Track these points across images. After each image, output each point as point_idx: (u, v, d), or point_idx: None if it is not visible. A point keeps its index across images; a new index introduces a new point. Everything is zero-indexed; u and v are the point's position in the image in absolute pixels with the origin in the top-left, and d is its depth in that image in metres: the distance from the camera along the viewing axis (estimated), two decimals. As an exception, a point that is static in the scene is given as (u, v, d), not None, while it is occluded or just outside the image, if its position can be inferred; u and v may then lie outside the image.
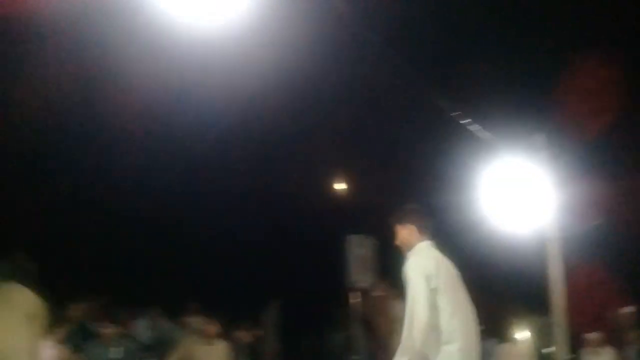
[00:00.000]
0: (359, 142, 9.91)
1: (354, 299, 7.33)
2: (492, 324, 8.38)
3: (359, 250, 7.37)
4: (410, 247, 3.30)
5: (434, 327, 2.96)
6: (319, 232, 10.46)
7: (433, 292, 3.01)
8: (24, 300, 3.79)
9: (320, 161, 10.55)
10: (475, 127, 5.56)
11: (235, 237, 11.20)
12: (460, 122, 5.45)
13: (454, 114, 5.32)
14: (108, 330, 5.74)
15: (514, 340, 7.39)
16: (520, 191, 5.94)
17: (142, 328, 8.10)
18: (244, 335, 7.98)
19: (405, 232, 3.34)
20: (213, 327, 6.01)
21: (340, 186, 12.22)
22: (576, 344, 6.90)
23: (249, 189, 10.92)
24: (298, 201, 10.57)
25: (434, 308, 2.98)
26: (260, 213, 11.21)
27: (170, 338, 7.30)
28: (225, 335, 6.39)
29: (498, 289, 9.90)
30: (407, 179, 9.66)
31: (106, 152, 9.72)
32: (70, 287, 7.09)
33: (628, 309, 7.19)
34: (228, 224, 11.01)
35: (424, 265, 3.12)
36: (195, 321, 6.88)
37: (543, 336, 8.03)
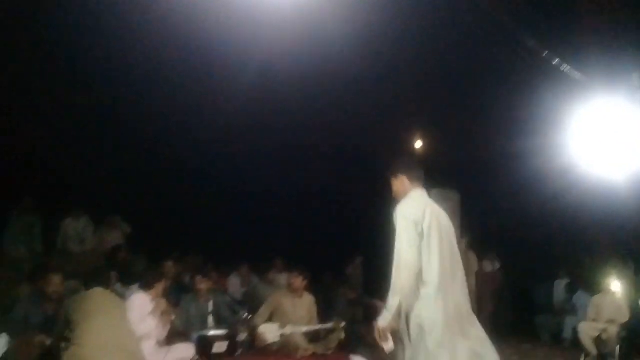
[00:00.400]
0: (442, 92, 9.62)
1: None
2: (584, 274, 8.09)
3: (442, 204, 7.19)
4: (403, 197, 3.42)
5: (418, 271, 3.12)
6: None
7: (419, 237, 3.15)
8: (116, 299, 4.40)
9: (402, 114, 10.40)
10: (565, 67, 5.24)
11: (318, 194, 11.29)
12: (550, 62, 5.14)
13: (542, 54, 5.03)
14: (202, 285, 6.04)
15: (608, 291, 7.14)
16: (615, 134, 5.58)
17: (234, 284, 8.47)
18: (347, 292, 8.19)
19: (397, 183, 3.50)
20: (300, 282, 6.18)
21: (422, 140, 12.05)
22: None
23: (330, 146, 10.97)
24: (379, 156, 10.51)
25: (418, 252, 3.13)
26: (340, 170, 11.25)
27: (260, 293, 7.60)
28: (311, 289, 6.56)
29: (590, 238, 9.54)
30: (494, 127, 9.34)
31: (189, 114, 10.01)
32: (167, 246, 7.48)
33: None
34: (312, 182, 11.10)
35: (410, 210, 3.25)
36: (283, 277, 7.09)
37: (638, 287, 7.78)
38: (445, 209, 6.60)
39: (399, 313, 3.14)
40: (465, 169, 9.87)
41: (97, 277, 4.44)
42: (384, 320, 3.12)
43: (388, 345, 3.15)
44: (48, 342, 4.43)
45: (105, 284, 4.44)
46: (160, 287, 5.01)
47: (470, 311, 3.28)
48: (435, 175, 8.63)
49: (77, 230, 8.99)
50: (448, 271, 3.17)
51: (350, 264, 10.75)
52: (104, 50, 8.06)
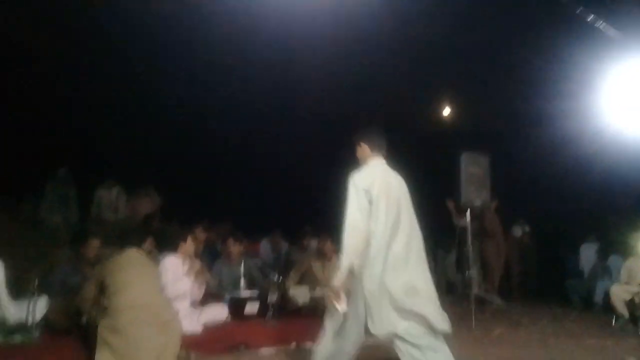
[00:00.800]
0: (472, 54, 9.44)
1: (467, 218, 7.18)
2: (616, 238, 7.98)
3: (473, 168, 7.10)
4: (363, 163, 3.68)
5: (366, 234, 3.36)
6: (431, 152, 10.32)
7: (369, 203, 3.39)
8: (149, 262, 4.46)
9: (430, 80, 10.27)
10: (600, 24, 5.08)
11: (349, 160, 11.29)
12: (584, 19, 4.99)
13: (576, 10, 4.87)
14: (234, 248, 6.16)
15: (640, 255, 7.06)
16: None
17: (265, 249, 8.59)
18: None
19: (360, 150, 3.74)
20: (329, 246, 6.23)
21: (451, 105, 11.90)
22: None
23: (361, 112, 10.88)
24: (409, 122, 10.44)
25: (367, 217, 3.37)
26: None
27: (290, 258, 7.70)
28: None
29: (621, 201, 9.37)
30: (525, 88, 9.16)
31: (221, 87, 10.04)
32: (198, 215, 7.59)
33: None
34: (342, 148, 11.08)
35: (361, 178, 3.47)
36: (313, 242, 7.14)
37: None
38: (475, 173, 6.59)
39: (352, 273, 3.36)
40: (495, 132, 9.73)
41: (133, 237, 4.52)
42: (337, 281, 3.35)
43: (342, 305, 3.34)
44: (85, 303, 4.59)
45: (140, 244, 4.51)
46: (188, 247, 5.11)
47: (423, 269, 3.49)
48: (465, 139, 8.61)
49: (110, 199, 9.23)
50: (396, 232, 3.40)
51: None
52: (141, 20, 8.11)
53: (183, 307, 4.90)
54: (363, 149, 3.74)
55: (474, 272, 7.14)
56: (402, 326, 3.29)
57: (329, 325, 3.49)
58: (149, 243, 5.13)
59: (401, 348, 3.31)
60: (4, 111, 8.82)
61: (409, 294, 3.31)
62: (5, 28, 7.89)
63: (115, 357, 3.82)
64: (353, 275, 3.37)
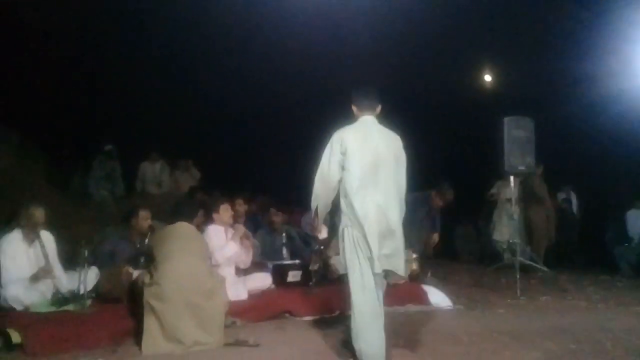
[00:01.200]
0: (511, 14, 9.15)
1: (511, 184, 7.01)
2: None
3: (516, 132, 6.91)
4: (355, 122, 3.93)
5: (334, 184, 3.69)
6: (474, 119, 10.12)
7: (342, 155, 3.65)
8: (197, 235, 4.58)
9: (470, 46, 10.03)
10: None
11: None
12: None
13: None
14: (277, 217, 6.25)
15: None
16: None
17: (308, 220, 8.66)
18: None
19: (353, 109, 3.95)
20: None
21: (493, 71, 11.61)
22: None
23: (404, 80, 10.72)
24: (451, 90, 10.26)
25: (338, 168, 3.67)
26: (411, 104, 11.03)
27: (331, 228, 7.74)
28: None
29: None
30: (566, 49, 8.84)
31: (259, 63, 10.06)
32: (239, 189, 7.69)
33: None
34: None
35: (341, 132, 3.75)
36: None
37: None
38: (519, 137, 6.42)
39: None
40: (538, 96, 9.45)
41: (185, 211, 4.63)
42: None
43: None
44: (134, 273, 4.74)
45: (191, 218, 4.61)
46: (223, 216, 5.20)
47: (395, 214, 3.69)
48: (508, 105, 8.40)
49: (154, 173, 9.44)
50: (372, 184, 3.63)
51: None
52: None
53: (229, 274, 5.02)
54: (354, 111, 3.96)
55: (518, 240, 7.01)
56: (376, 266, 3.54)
57: (353, 285, 3.59)
58: (199, 216, 5.21)
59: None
60: (53, 91, 9.09)
61: (384, 238, 3.59)
62: (52, 6, 8.09)
63: (161, 324, 3.93)
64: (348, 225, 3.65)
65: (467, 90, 11.30)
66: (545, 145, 7.12)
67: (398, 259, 3.65)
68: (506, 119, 6.49)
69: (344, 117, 4.39)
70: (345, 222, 3.65)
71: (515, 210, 7.07)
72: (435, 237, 6.89)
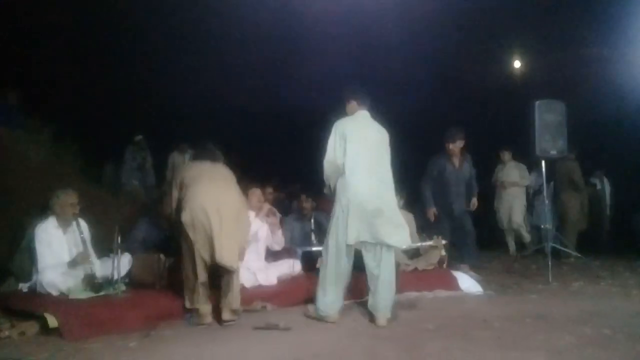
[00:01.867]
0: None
1: (542, 169, 6.90)
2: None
3: (548, 116, 6.79)
4: (350, 115, 4.49)
5: (337, 166, 4.27)
6: (504, 104, 9.99)
7: (344, 141, 4.24)
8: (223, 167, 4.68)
9: (500, 31, 9.88)
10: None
11: (419, 114, 11.05)
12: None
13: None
14: (307, 204, 6.30)
15: None
16: None
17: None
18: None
19: (349, 106, 4.53)
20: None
21: (523, 56, 11.42)
22: None
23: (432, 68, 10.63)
24: (482, 74, 10.15)
25: (341, 153, 4.24)
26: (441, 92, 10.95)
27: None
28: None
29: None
30: (597, 33, 8.63)
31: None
32: (267, 178, 7.74)
33: None
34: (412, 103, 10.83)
35: (343, 124, 4.36)
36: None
37: None
38: (550, 121, 6.31)
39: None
40: (570, 79, 9.27)
41: (208, 152, 4.73)
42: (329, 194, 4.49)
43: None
44: (164, 258, 4.82)
45: (215, 159, 4.74)
46: (253, 198, 5.26)
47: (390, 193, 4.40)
48: (538, 89, 8.27)
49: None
50: (367, 167, 4.25)
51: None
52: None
53: (260, 260, 5.10)
54: (352, 105, 4.52)
55: (549, 226, 6.91)
56: (365, 236, 4.22)
57: (328, 250, 4.31)
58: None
59: (368, 249, 4.29)
60: (86, 84, 9.27)
61: (374, 214, 4.19)
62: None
63: (196, 250, 4.12)
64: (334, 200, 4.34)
65: (498, 76, 11.15)
66: (576, 130, 6.98)
67: (395, 234, 4.26)
68: (537, 103, 6.37)
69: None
70: (338, 198, 4.26)
71: (545, 195, 6.97)
72: (474, 201, 6.69)
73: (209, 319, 4.20)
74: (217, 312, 4.22)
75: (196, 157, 4.83)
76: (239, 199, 4.48)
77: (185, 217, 4.16)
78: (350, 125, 4.35)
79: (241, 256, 4.35)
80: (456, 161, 6.55)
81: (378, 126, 4.49)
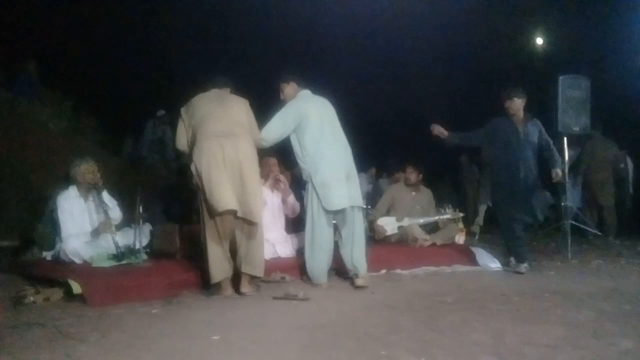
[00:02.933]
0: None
1: (564, 146, 6.80)
2: None
3: (571, 91, 6.67)
4: (292, 98, 4.70)
5: (275, 137, 4.58)
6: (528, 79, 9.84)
7: (299, 120, 4.53)
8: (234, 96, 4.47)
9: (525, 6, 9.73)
10: None
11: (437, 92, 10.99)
12: None
13: None
14: None
15: None
16: None
17: (361, 181, 8.72)
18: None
19: (288, 87, 4.76)
20: (415, 176, 6.20)
21: (546, 31, 11.21)
22: None
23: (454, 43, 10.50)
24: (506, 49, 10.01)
25: (283, 128, 4.56)
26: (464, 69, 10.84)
27: (381, 189, 7.77)
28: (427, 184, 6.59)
29: None
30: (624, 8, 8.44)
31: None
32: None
33: None
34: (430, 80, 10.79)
35: (297, 102, 4.61)
36: (400, 174, 7.11)
37: None
38: (574, 97, 6.20)
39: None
40: (596, 55, 9.09)
41: (217, 78, 4.55)
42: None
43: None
44: (184, 229, 4.88)
45: (225, 85, 4.55)
46: (264, 166, 5.07)
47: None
48: (563, 65, 8.13)
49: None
50: (331, 138, 4.56)
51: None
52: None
53: (279, 232, 5.14)
54: (291, 86, 4.75)
55: (570, 203, 6.84)
56: (345, 202, 4.49)
57: (309, 220, 4.56)
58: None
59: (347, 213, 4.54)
60: (107, 57, 9.31)
61: (347, 179, 4.51)
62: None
63: (210, 209, 4.04)
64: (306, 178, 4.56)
65: (520, 51, 11.00)
66: (600, 107, 6.87)
67: (360, 196, 4.67)
68: (561, 78, 6.27)
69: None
70: (308, 173, 4.50)
71: (567, 172, 6.89)
72: (557, 172, 5.63)
73: (228, 291, 4.14)
74: (237, 282, 4.24)
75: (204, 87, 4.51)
76: (247, 144, 4.21)
77: (193, 167, 4.12)
78: (303, 102, 4.61)
79: (255, 210, 4.15)
80: (517, 121, 5.58)
81: (323, 99, 4.76)
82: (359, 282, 4.44)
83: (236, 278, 4.22)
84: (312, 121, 4.52)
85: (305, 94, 4.74)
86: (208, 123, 4.12)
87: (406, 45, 10.39)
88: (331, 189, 4.44)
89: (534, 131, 5.55)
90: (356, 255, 4.53)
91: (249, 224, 4.15)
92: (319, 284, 4.52)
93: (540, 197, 5.62)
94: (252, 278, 4.24)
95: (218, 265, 4.11)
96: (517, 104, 5.54)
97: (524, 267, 5.26)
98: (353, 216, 4.57)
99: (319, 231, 4.50)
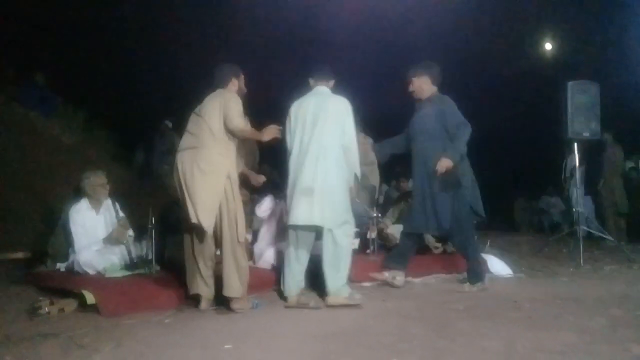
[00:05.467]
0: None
1: (575, 152, 6.80)
2: None
3: (580, 97, 6.66)
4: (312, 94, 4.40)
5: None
6: (535, 87, 9.85)
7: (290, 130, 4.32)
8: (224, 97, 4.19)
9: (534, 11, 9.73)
10: None
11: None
12: None
13: None
14: None
15: None
16: None
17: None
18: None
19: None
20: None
21: (554, 37, 11.21)
22: None
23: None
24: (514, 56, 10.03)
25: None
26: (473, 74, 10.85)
27: (391, 197, 7.78)
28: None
29: None
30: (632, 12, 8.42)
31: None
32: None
33: None
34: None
35: (293, 105, 4.37)
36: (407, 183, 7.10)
37: None
38: (583, 102, 6.18)
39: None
40: (605, 59, 9.08)
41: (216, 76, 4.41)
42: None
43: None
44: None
45: (222, 83, 4.37)
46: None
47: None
48: (571, 71, 8.13)
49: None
50: (305, 146, 4.19)
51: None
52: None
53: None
54: (310, 82, 4.43)
55: (581, 209, 6.81)
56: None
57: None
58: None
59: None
60: (118, 71, 9.43)
61: (305, 192, 4.13)
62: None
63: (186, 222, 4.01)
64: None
65: (528, 58, 11.00)
66: (611, 112, 6.85)
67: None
68: (570, 83, 6.27)
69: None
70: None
71: (578, 178, 6.88)
72: (442, 162, 4.53)
73: (202, 305, 4.03)
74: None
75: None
76: (212, 147, 3.99)
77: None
78: (297, 104, 4.41)
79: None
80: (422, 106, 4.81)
81: (337, 99, 4.35)
82: (327, 300, 4.17)
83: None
84: (297, 125, 4.27)
85: (314, 92, 4.38)
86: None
87: (411, 51, 10.41)
88: (293, 202, 4.19)
89: (437, 114, 4.66)
90: (327, 273, 4.20)
91: (226, 243, 3.98)
92: (286, 296, 4.27)
93: (447, 199, 4.60)
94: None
95: (190, 279, 4.09)
96: (416, 84, 4.77)
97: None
98: (323, 235, 4.21)
99: (288, 243, 4.33)
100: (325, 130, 4.19)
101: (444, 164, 4.43)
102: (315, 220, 4.14)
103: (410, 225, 4.91)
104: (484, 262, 5.42)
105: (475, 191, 4.78)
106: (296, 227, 4.22)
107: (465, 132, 4.56)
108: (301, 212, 4.14)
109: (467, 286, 4.74)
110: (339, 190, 4.21)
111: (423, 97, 4.76)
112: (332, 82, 4.44)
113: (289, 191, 4.26)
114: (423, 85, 4.75)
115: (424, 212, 4.69)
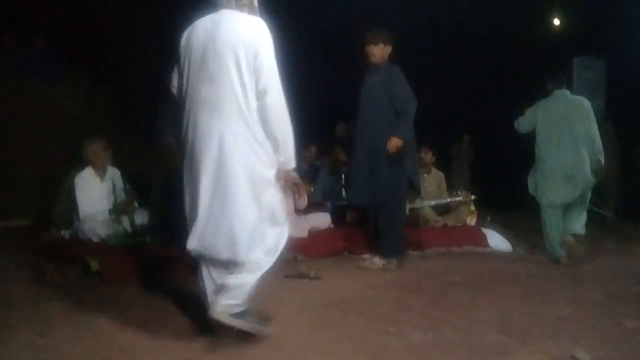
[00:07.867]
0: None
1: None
2: None
3: (586, 73, 6.63)
4: None
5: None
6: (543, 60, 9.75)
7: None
8: None
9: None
10: None
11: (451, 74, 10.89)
12: None
13: None
14: (343, 155, 6.28)
15: None
16: None
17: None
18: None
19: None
20: (429, 157, 6.20)
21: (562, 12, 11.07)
22: None
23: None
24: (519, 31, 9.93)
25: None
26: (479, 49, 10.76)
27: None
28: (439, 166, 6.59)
29: None
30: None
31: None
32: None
33: None
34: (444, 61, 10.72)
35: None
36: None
37: None
38: (589, 78, 6.14)
39: None
40: (612, 36, 8.97)
41: None
42: None
43: None
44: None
45: None
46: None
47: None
48: (578, 47, 8.04)
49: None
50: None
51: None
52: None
53: (291, 212, 5.18)
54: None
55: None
56: None
57: None
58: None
59: None
60: (122, 38, 9.36)
61: None
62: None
63: None
64: None
65: (537, 32, 10.88)
66: (617, 89, 6.81)
67: None
68: (576, 60, 6.24)
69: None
70: None
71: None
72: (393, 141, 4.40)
73: None
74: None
75: None
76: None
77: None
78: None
79: None
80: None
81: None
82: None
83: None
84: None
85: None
86: None
87: (419, 27, 10.32)
88: None
89: (385, 83, 4.53)
90: None
91: None
92: None
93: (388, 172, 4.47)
94: None
95: None
96: (377, 51, 4.61)
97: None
98: None
99: None
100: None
101: (395, 143, 4.34)
102: None
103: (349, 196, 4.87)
104: (404, 239, 4.79)
105: (414, 163, 4.77)
106: None
107: (412, 109, 4.47)
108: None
109: (376, 259, 4.55)
110: None
111: (379, 65, 4.60)
112: None
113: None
114: (384, 52, 4.62)
115: (361, 182, 4.60)
